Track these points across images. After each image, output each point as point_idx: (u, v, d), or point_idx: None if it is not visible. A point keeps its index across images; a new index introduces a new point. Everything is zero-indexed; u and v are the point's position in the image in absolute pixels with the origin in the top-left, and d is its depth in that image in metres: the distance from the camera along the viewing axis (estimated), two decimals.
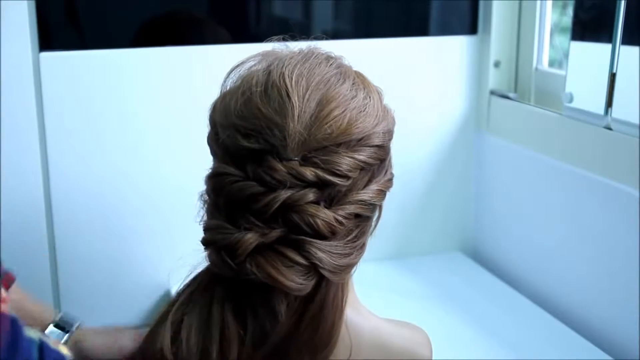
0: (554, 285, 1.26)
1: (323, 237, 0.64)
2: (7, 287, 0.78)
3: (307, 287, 0.64)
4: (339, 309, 0.68)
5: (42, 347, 0.52)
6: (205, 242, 0.67)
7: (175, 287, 1.30)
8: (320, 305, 0.66)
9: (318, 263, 0.63)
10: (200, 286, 0.69)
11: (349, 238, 0.67)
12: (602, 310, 1.15)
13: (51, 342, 0.55)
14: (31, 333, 0.53)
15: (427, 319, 0.87)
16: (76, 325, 0.79)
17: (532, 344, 1.13)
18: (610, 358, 1.08)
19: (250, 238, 0.62)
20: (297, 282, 0.63)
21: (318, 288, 0.66)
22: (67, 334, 0.78)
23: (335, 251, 0.65)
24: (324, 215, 0.63)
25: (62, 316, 0.79)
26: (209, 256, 0.66)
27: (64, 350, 0.55)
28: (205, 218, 0.70)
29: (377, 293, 1.19)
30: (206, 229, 0.67)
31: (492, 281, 1.37)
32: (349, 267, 0.68)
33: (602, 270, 1.14)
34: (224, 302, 0.67)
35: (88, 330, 0.80)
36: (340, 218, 0.65)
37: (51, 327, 0.78)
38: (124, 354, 0.81)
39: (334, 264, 0.64)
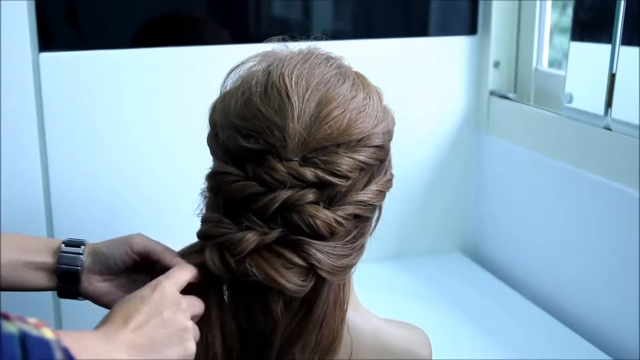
0: (553, 285, 1.26)
1: (322, 238, 0.64)
2: None
3: (306, 289, 0.64)
4: (342, 310, 0.68)
5: (25, 340, 0.49)
6: (202, 235, 0.66)
7: None
8: (324, 306, 0.66)
9: (316, 264, 0.63)
10: (195, 288, 0.68)
11: (347, 239, 0.67)
12: (602, 310, 1.15)
13: (33, 329, 0.50)
14: (9, 327, 0.48)
15: (427, 319, 0.87)
16: (86, 241, 0.79)
17: (532, 344, 1.13)
18: (610, 358, 1.08)
19: (251, 237, 0.62)
20: (296, 283, 0.63)
21: (320, 289, 0.66)
22: (83, 246, 0.78)
23: (334, 252, 0.65)
24: (324, 216, 0.63)
25: (69, 239, 0.79)
26: (207, 255, 0.65)
27: (48, 334, 0.52)
28: (204, 211, 0.70)
29: (377, 293, 1.19)
30: (204, 221, 0.67)
31: (492, 281, 1.37)
32: (348, 268, 0.68)
33: (602, 270, 1.14)
34: (221, 304, 0.67)
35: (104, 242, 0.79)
36: (339, 219, 0.64)
37: (63, 247, 0.77)
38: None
39: (333, 264, 0.64)
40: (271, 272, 0.62)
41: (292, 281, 0.63)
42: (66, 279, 0.77)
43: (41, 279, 0.77)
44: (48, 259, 0.77)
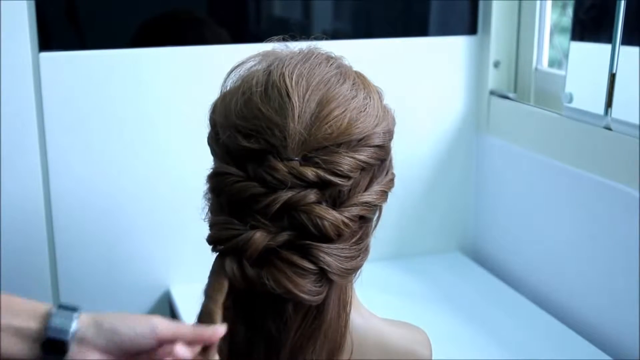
0: (553, 285, 1.26)
1: (328, 240, 0.63)
2: None
3: (322, 296, 0.64)
4: (346, 311, 0.68)
5: None
6: (213, 240, 0.66)
7: (174, 287, 1.31)
8: (332, 308, 0.66)
9: (326, 268, 0.63)
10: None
11: (353, 240, 0.66)
12: (602, 310, 1.15)
13: None
14: None
15: (427, 319, 0.87)
16: (79, 308, 0.67)
17: (532, 344, 1.13)
18: (610, 358, 1.09)
19: (259, 237, 0.62)
20: (311, 292, 0.62)
21: (329, 291, 0.65)
22: (76, 313, 0.66)
23: (342, 254, 0.64)
24: (332, 218, 0.63)
25: (61, 304, 0.66)
26: (227, 265, 0.64)
27: None
28: (210, 215, 0.69)
29: (377, 293, 1.19)
30: (212, 225, 0.67)
31: (492, 281, 1.37)
32: (356, 269, 0.67)
33: (602, 270, 1.14)
34: (234, 310, 0.66)
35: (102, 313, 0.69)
36: (346, 220, 0.64)
37: (54, 310, 0.65)
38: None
39: (342, 267, 0.64)
40: (288, 285, 0.62)
41: (308, 291, 0.62)
42: (51, 349, 0.64)
43: (15, 344, 0.63)
44: (30, 323, 0.64)
